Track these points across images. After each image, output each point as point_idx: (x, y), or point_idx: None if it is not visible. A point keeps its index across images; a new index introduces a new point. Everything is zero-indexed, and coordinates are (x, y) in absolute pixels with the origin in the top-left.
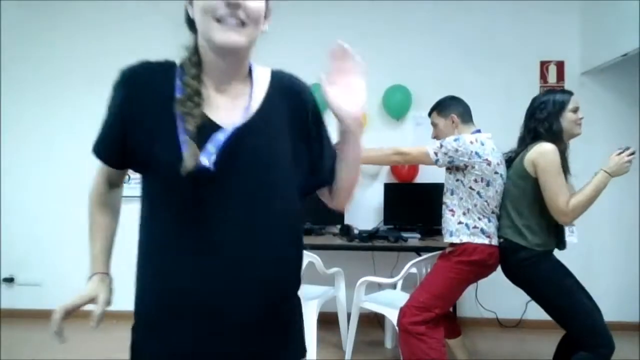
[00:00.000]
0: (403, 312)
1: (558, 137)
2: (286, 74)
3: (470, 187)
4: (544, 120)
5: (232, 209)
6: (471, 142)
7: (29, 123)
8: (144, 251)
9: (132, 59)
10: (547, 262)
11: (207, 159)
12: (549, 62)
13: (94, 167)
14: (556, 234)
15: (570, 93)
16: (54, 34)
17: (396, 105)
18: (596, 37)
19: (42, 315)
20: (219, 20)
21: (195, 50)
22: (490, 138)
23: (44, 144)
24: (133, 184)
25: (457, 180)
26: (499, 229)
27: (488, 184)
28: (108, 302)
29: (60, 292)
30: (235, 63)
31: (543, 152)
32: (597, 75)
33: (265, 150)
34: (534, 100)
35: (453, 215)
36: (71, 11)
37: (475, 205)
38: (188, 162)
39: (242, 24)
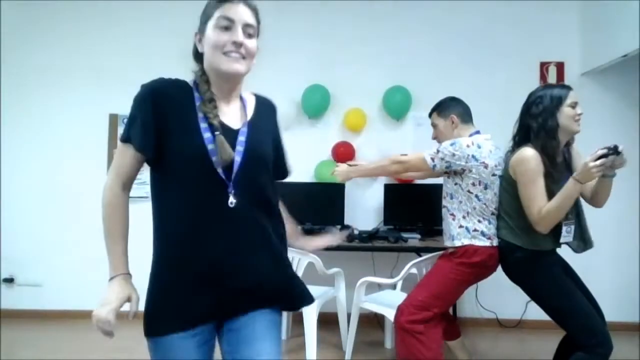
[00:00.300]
0: (401, 310)
1: (551, 135)
2: (264, 96)
3: (469, 191)
4: (538, 115)
5: (241, 191)
6: (468, 146)
7: (29, 123)
8: (162, 227)
9: (132, 59)
10: (544, 262)
11: (238, 156)
12: (549, 62)
13: (94, 168)
14: (553, 234)
15: (568, 87)
16: (54, 34)
17: (396, 105)
18: (596, 38)
19: (42, 315)
20: (225, 54)
21: (204, 72)
22: (489, 139)
23: (44, 144)
24: (133, 185)
25: (456, 184)
26: (497, 229)
27: (486, 187)
28: (138, 300)
29: (60, 292)
30: (235, 85)
31: (522, 159)
32: (597, 75)
33: (261, 145)
34: (530, 94)
35: (454, 219)
36: (71, 11)
37: (475, 208)
38: (224, 156)
39: (243, 57)
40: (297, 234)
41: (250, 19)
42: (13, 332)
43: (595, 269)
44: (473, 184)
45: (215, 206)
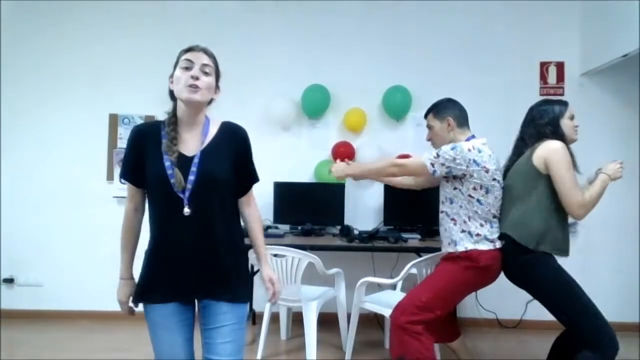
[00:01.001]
0: (402, 309)
1: (564, 140)
2: (231, 124)
3: (470, 195)
4: (547, 124)
5: (194, 203)
6: (469, 150)
7: (29, 123)
8: (150, 227)
9: (132, 59)
10: (552, 264)
11: (192, 175)
12: (549, 62)
13: (94, 168)
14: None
15: (566, 103)
16: (54, 34)
17: (396, 106)
18: (596, 38)
19: (42, 316)
20: (185, 86)
21: (174, 113)
22: (485, 144)
23: (44, 145)
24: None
25: (455, 188)
26: (501, 229)
27: (487, 191)
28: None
29: (60, 292)
30: (197, 110)
31: (554, 148)
32: (597, 76)
33: (212, 169)
34: (532, 109)
35: (455, 223)
36: (71, 11)
37: (477, 212)
38: (178, 183)
39: (200, 88)
40: (261, 259)
41: (207, 61)
42: (13, 332)
43: (595, 269)
44: (474, 189)
45: (175, 215)
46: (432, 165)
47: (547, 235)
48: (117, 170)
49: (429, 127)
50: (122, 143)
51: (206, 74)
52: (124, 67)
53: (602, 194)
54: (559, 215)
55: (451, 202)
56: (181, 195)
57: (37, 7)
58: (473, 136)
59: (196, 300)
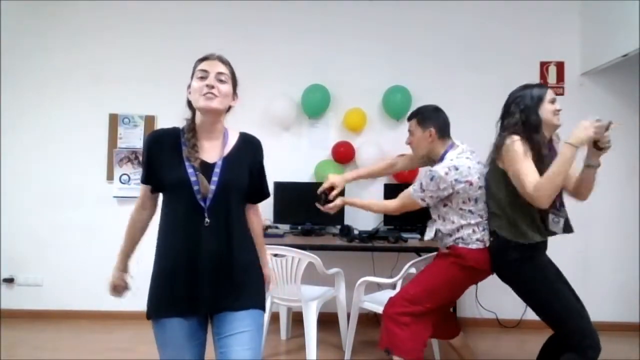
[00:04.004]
0: (392, 302)
1: (535, 129)
2: (248, 135)
3: (460, 209)
4: (521, 112)
5: (215, 212)
6: (446, 174)
7: (29, 123)
8: (163, 232)
9: (132, 60)
10: (538, 263)
11: (213, 185)
12: (549, 62)
13: (94, 168)
14: (541, 224)
15: (546, 87)
16: (53, 35)
17: (396, 105)
18: (596, 37)
19: (42, 315)
20: (202, 95)
21: (192, 119)
22: (461, 153)
23: (44, 144)
24: (133, 185)
25: (446, 205)
26: (489, 227)
27: (476, 201)
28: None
29: (60, 292)
30: (214, 118)
31: (507, 145)
32: (597, 75)
33: (233, 177)
34: (509, 95)
35: (450, 237)
36: (71, 11)
37: (469, 223)
38: (203, 189)
39: (216, 97)
40: (264, 264)
41: (223, 69)
42: (13, 332)
43: (595, 269)
44: (464, 202)
45: (195, 224)
46: (423, 199)
47: (519, 226)
48: (117, 171)
49: (410, 132)
50: (122, 143)
51: (222, 81)
52: (124, 67)
53: (565, 170)
54: (524, 209)
55: (444, 220)
56: (202, 204)
57: (37, 7)
58: (452, 144)
59: (208, 314)
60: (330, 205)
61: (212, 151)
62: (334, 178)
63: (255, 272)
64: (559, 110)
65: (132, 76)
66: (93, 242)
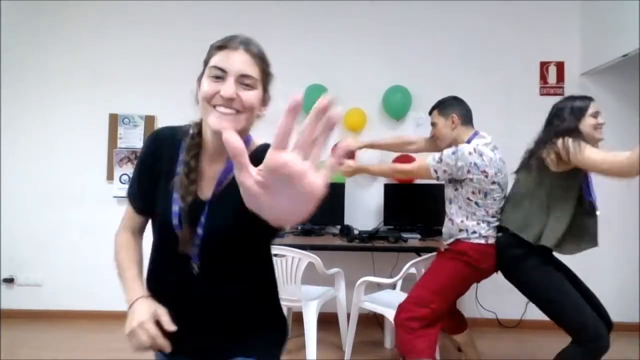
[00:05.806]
0: (401, 307)
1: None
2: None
3: (468, 198)
4: (564, 122)
5: (203, 261)
6: (470, 153)
7: (29, 123)
8: (152, 264)
9: (131, 60)
10: (540, 258)
11: (198, 238)
12: (549, 62)
13: (94, 168)
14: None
15: (590, 98)
16: (53, 34)
17: (396, 106)
18: (596, 38)
19: (42, 315)
20: (215, 107)
21: (199, 131)
22: (488, 143)
23: (44, 144)
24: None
25: (456, 189)
26: (503, 222)
27: (485, 195)
28: (166, 312)
29: (60, 292)
30: None
31: (563, 141)
32: (597, 75)
33: (224, 222)
34: (552, 106)
35: (452, 223)
36: (71, 11)
37: (474, 214)
38: (182, 244)
39: (238, 112)
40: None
41: (248, 69)
42: (13, 332)
43: (595, 269)
44: (472, 192)
45: (180, 270)
46: (436, 171)
47: (545, 229)
48: (117, 171)
49: (433, 124)
50: (122, 143)
51: (247, 86)
52: (124, 67)
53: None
54: (557, 212)
55: (450, 203)
56: (188, 252)
57: (37, 7)
58: (476, 133)
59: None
60: (345, 163)
61: (210, 181)
62: (350, 139)
63: (267, 316)
64: (601, 124)
65: (132, 76)
66: (93, 243)
